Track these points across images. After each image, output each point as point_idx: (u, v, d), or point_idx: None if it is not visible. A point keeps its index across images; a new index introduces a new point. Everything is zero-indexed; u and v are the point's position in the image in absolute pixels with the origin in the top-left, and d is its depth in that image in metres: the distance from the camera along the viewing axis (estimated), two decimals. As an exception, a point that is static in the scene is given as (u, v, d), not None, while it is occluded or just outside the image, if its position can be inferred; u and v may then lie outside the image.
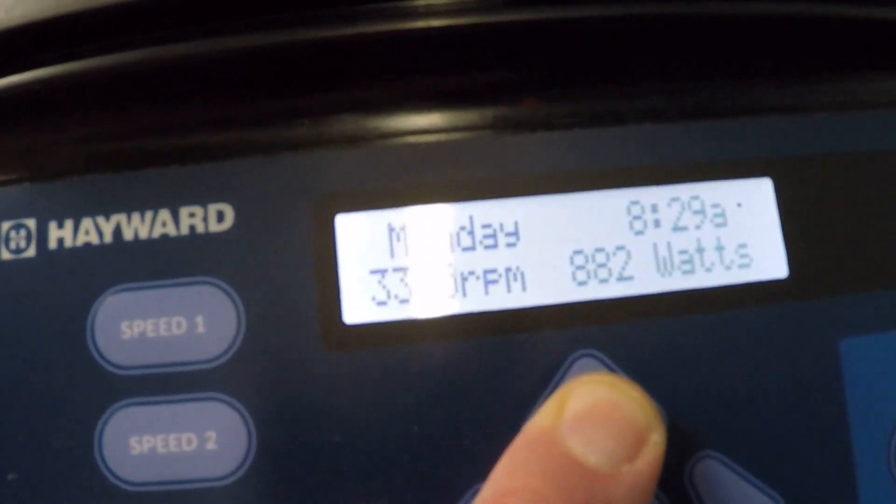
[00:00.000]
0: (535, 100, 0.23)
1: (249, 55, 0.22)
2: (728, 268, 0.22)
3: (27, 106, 0.23)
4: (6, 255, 0.22)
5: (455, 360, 0.21)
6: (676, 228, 0.22)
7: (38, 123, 0.23)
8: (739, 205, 0.22)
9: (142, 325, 0.21)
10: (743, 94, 0.24)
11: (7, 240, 0.22)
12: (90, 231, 0.22)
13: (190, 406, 0.21)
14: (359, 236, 0.22)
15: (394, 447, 0.21)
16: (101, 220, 0.22)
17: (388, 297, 0.21)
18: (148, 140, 0.23)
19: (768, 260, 0.22)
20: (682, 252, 0.22)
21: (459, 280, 0.22)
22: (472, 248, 0.22)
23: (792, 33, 0.23)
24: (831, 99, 0.24)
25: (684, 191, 0.22)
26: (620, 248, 0.22)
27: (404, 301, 0.21)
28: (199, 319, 0.21)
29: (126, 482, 0.21)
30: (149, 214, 0.22)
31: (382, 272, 0.22)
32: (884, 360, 0.22)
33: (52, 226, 0.22)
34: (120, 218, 0.22)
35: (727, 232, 0.22)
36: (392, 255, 0.22)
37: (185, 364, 0.21)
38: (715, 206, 0.22)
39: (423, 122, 0.23)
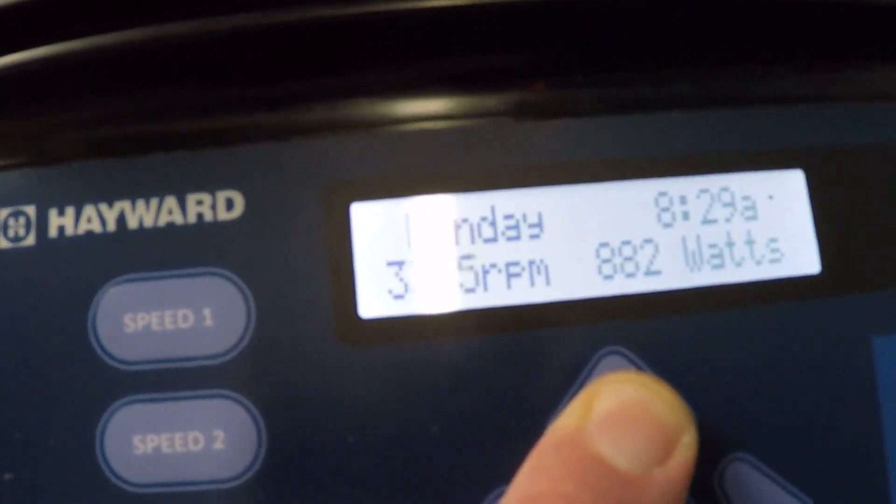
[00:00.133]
0: (542, 84, 0.22)
1: (259, 34, 0.22)
2: (759, 262, 0.21)
3: (26, 87, 0.22)
4: (4, 244, 0.21)
5: (475, 356, 0.20)
6: (706, 221, 0.22)
7: (38, 105, 0.23)
8: (771, 197, 0.22)
9: (146, 318, 0.21)
10: (774, 82, 0.23)
11: (5, 227, 0.21)
12: (92, 218, 0.21)
13: (197, 403, 0.20)
14: (375, 226, 0.21)
15: (411, 448, 0.20)
16: (103, 207, 0.21)
17: (406, 290, 0.21)
18: (153, 124, 0.22)
19: (800, 255, 0.21)
20: (712, 246, 0.21)
21: (481, 273, 0.21)
22: (494, 239, 0.21)
23: (825, 19, 0.23)
24: (864, 88, 0.23)
25: (714, 182, 0.22)
26: (648, 241, 0.21)
27: (422, 294, 0.21)
28: (207, 312, 0.21)
29: (129, 483, 0.20)
30: (154, 202, 0.21)
31: (399, 264, 0.21)
32: (918, 357, 0.21)
33: (53, 213, 0.21)
34: (124, 205, 0.21)
35: (758, 225, 0.22)
36: (409, 247, 0.21)
37: (191, 359, 0.20)
38: (745, 198, 0.22)
39: (442, 106, 0.22)
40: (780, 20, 0.23)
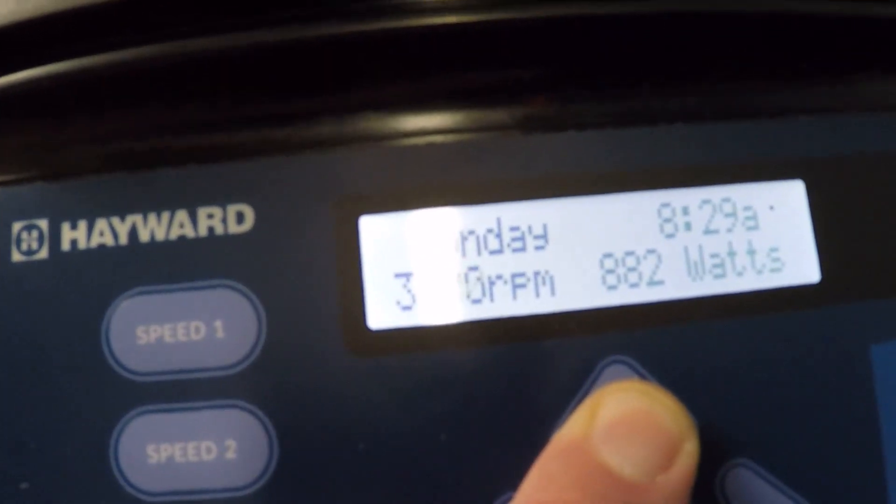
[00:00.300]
0: (542, 99, 0.22)
1: (270, 51, 0.22)
2: (759, 272, 0.22)
3: (39, 102, 0.22)
4: (18, 257, 0.21)
5: (482, 366, 0.21)
6: (708, 231, 0.22)
7: (52, 120, 0.23)
8: (772, 207, 0.22)
9: (159, 330, 0.21)
10: (775, 94, 0.23)
11: (19, 241, 0.21)
12: (105, 232, 0.21)
13: (209, 414, 0.20)
14: (383, 238, 0.21)
15: (420, 456, 0.20)
16: (116, 220, 0.21)
17: (413, 301, 0.21)
18: (165, 138, 0.22)
19: (800, 264, 0.22)
20: (714, 256, 0.22)
21: (487, 284, 0.21)
22: (500, 251, 0.21)
23: (826, 32, 0.23)
24: (864, 99, 0.23)
25: (716, 193, 0.22)
26: (651, 251, 0.21)
27: (430, 306, 0.21)
28: (219, 324, 0.21)
29: (143, 492, 0.20)
30: (166, 215, 0.21)
31: (407, 276, 0.21)
32: (917, 366, 0.21)
33: (66, 226, 0.21)
34: (136, 218, 0.21)
35: (759, 235, 0.22)
36: (417, 258, 0.21)
37: (203, 370, 0.21)
38: (747, 208, 0.22)
39: (448, 120, 0.22)
40: (780, 33, 0.23)
